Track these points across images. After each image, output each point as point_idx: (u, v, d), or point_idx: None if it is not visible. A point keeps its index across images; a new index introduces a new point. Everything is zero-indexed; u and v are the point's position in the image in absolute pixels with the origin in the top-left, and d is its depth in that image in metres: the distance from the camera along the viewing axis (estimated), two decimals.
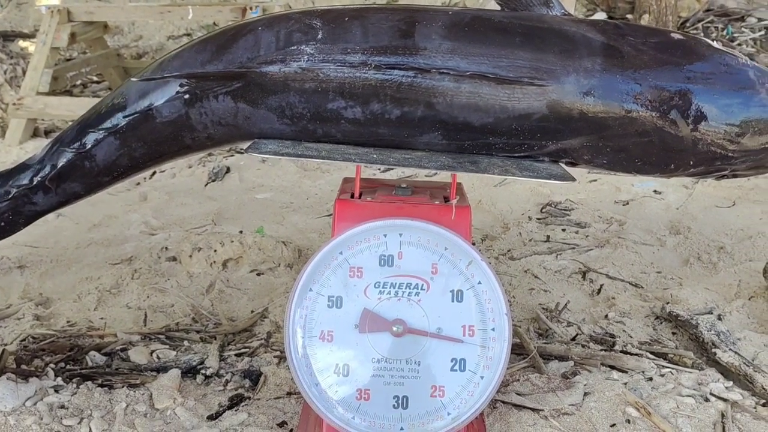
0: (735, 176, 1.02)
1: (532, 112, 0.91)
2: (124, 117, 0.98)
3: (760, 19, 4.04)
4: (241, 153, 2.51)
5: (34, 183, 1.03)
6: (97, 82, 3.45)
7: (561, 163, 0.98)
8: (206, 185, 2.28)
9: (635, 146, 0.93)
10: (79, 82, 3.31)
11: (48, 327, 1.42)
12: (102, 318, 1.47)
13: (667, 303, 1.48)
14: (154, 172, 2.39)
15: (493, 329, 0.99)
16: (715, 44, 0.97)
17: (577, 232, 1.88)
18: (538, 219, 1.96)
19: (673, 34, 0.97)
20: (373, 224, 1.00)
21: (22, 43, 3.69)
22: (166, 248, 1.74)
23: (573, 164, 0.99)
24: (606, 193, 2.15)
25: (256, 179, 2.30)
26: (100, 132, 0.99)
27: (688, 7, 3.90)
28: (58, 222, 1.92)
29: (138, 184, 2.30)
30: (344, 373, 0.99)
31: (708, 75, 0.92)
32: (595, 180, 2.23)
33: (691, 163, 0.95)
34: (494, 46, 0.91)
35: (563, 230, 1.89)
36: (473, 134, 0.94)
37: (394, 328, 0.99)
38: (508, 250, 1.77)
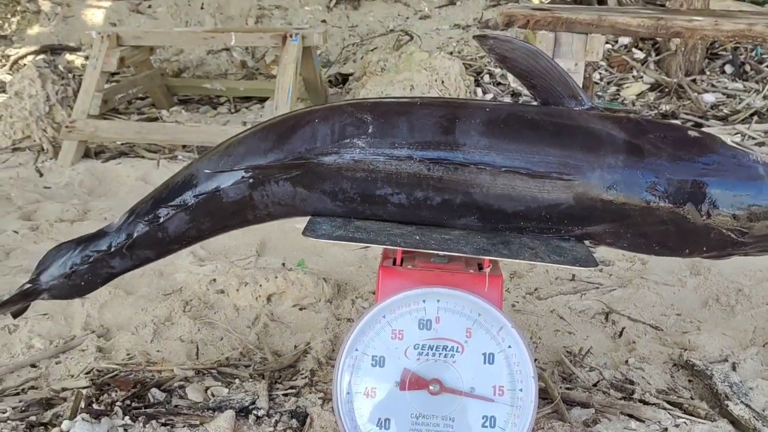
0: (747, 255, 1.12)
1: (560, 203, 1.01)
2: (194, 196, 1.09)
3: None
4: None
5: (112, 249, 1.16)
6: (142, 99, 3.60)
7: (586, 243, 1.08)
8: None
9: (653, 233, 1.03)
10: (126, 100, 3.45)
11: (110, 360, 1.54)
12: (158, 351, 1.59)
13: (685, 350, 1.58)
14: None
15: (521, 390, 1.10)
16: (728, 141, 1.06)
17: (601, 270, 1.98)
18: None
19: (690, 132, 1.06)
20: (413, 292, 1.11)
21: (69, 57, 3.83)
22: (214, 280, 1.86)
23: (596, 245, 1.09)
24: None
25: None
26: (172, 208, 1.11)
27: None
28: None
29: None
30: (386, 427, 1.11)
31: (720, 170, 1.02)
32: None
33: (705, 249, 1.04)
34: (526, 143, 1.01)
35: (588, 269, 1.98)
36: (507, 219, 1.04)
37: (431, 387, 1.10)
38: (536, 289, 1.87)
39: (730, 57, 3.87)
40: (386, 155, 1.02)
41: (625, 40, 4.02)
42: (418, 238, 1.06)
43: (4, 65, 4.05)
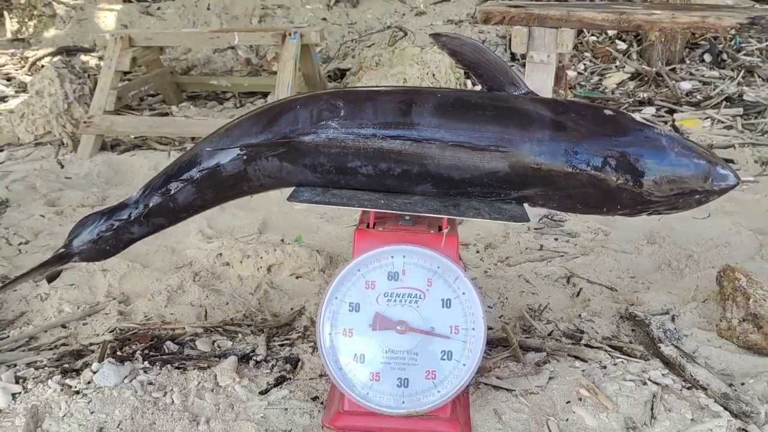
0: (659, 213, 1.34)
1: (498, 171, 1.23)
2: (199, 171, 1.32)
3: None
4: None
5: (131, 218, 1.39)
6: (153, 96, 3.83)
7: (525, 205, 1.30)
8: (251, 197, 2.63)
9: (576, 195, 1.25)
10: (138, 97, 3.69)
11: (130, 321, 1.78)
12: (172, 314, 1.83)
13: (632, 305, 1.80)
14: None
15: (473, 328, 1.32)
16: (637, 118, 1.28)
17: (567, 242, 2.20)
18: (536, 229, 2.28)
19: (605, 111, 1.28)
20: (383, 249, 1.33)
21: (83, 57, 4.05)
22: (220, 254, 2.09)
23: (532, 206, 1.31)
24: None
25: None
26: (180, 182, 1.34)
27: None
28: None
29: None
30: (361, 361, 1.33)
31: (630, 141, 1.23)
32: None
33: (619, 206, 1.26)
34: (470, 122, 1.23)
35: (555, 239, 2.20)
36: (456, 185, 1.26)
37: (398, 327, 1.33)
38: (506, 258, 2.09)
39: (709, 46, 4.06)
40: (355, 134, 1.24)
41: (610, 31, 4.22)
42: (383, 202, 1.28)
43: (23, 66, 4.30)
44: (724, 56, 3.97)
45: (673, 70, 3.84)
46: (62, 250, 1.44)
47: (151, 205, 1.37)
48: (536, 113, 1.24)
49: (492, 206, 1.29)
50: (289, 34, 3.12)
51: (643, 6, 2.67)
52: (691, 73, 3.80)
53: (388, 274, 1.34)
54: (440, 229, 1.37)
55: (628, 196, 1.24)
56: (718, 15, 2.33)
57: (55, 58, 3.66)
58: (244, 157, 1.29)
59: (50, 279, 1.60)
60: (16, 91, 4.02)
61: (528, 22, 2.50)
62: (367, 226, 1.38)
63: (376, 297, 1.34)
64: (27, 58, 4.41)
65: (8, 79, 4.20)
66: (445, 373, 1.32)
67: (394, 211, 1.25)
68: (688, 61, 3.99)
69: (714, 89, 3.55)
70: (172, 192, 1.35)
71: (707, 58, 4.02)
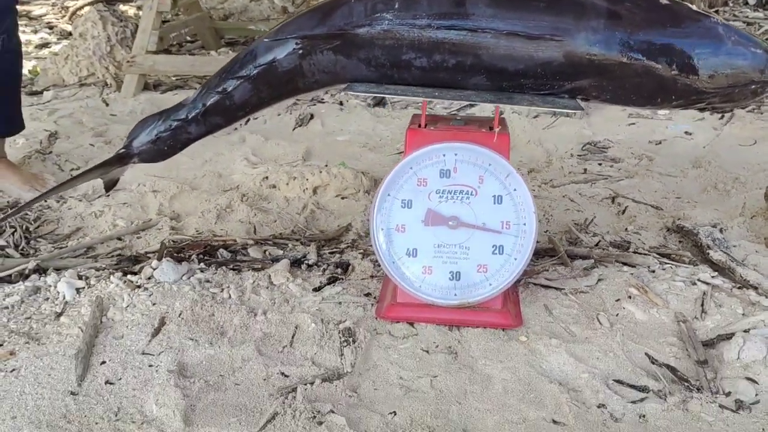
0: (714, 108, 1.34)
1: (552, 60, 1.24)
2: (255, 67, 1.34)
3: None
4: (323, 102, 2.88)
5: (189, 117, 1.42)
6: (191, 42, 3.86)
7: (577, 99, 1.31)
8: (293, 129, 2.66)
9: (630, 85, 1.25)
10: (175, 43, 3.72)
11: (182, 234, 1.82)
12: (222, 229, 1.87)
13: (679, 219, 1.80)
14: (248, 119, 2.78)
15: (524, 224, 1.34)
16: (693, 7, 1.28)
17: (611, 166, 2.19)
18: (579, 155, 2.28)
19: (661, 0, 1.28)
20: (435, 146, 1.35)
21: (122, 7, 4.08)
22: (266, 178, 2.12)
23: (586, 99, 1.31)
24: (642, 134, 2.44)
25: (336, 125, 2.67)
26: (237, 79, 1.36)
27: None
28: (177, 157, 2.31)
29: (235, 129, 2.69)
30: (414, 255, 1.36)
31: (686, 31, 1.23)
32: (633, 123, 2.52)
33: (674, 97, 1.26)
34: (524, 11, 1.24)
35: (599, 164, 2.20)
36: (509, 77, 1.27)
37: (450, 223, 1.35)
38: (550, 180, 2.10)
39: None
40: (410, 25, 1.25)
41: None
42: (437, 93, 1.30)
43: (64, 16, 4.36)
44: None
45: (717, 12, 3.77)
46: (122, 150, 1.48)
47: (208, 103, 1.40)
48: (591, 2, 1.24)
49: (545, 99, 1.30)
50: None
51: None
52: (735, 15, 3.73)
53: (440, 171, 1.36)
54: (491, 129, 1.38)
55: (682, 86, 1.25)
56: None
57: (96, 5, 3.68)
58: (300, 51, 1.31)
59: (108, 186, 1.64)
60: (58, 39, 4.08)
61: None
62: (419, 126, 1.40)
63: (428, 194, 1.37)
64: (67, 7, 4.46)
65: (50, 28, 4.26)
66: (497, 267, 1.35)
67: (448, 100, 1.27)
68: (731, 4, 3.92)
69: (758, 29, 3.48)
70: (229, 90, 1.38)
71: (751, 0, 3.94)
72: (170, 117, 1.44)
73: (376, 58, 1.29)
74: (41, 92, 3.16)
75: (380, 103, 2.82)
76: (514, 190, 1.35)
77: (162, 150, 1.47)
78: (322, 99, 2.95)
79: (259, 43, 1.35)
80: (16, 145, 2.48)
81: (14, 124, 2.18)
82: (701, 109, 1.34)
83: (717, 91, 1.26)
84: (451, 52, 1.26)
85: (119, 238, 1.82)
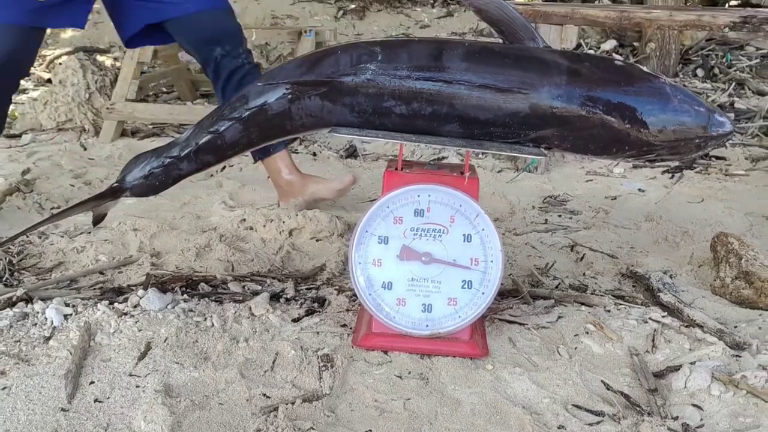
0: (663, 160, 1.48)
1: (519, 111, 1.37)
2: (246, 109, 1.45)
3: (757, 48, 4.46)
4: (297, 153, 3.00)
5: (182, 155, 1.51)
6: (168, 92, 3.98)
7: (541, 147, 1.44)
8: (268, 177, 2.76)
9: (589, 136, 1.39)
10: (152, 93, 3.83)
11: (163, 270, 1.89)
12: (201, 266, 1.94)
13: (632, 266, 1.93)
14: (224, 167, 2.88)
15: (491, 261, 1.46)
16: (644, 69, 1.43)
17: (570, 218, 2.33)
18: (540, 207, 2.42)
19: (616, 61, 1.43)
20: (410, 187, 1.47)
21: (99, 58, 4.17)
22: (244, 220, 2.21)
23: (548, 148, 1.44)
24: (598, 190, 2.60)
25: (310, 171, 2.78)
26: (229, 120, 1.47)
27: (691, 37, 4.33)
28: (157, 200, 2.40)
29: (212, 175, 2.79)
30: (389, 288, 1.46)
31: (638, 89, 1.37)
32: (591, 180, 2.69)
33: (627, 148, 1.40)
34: (495, 67, 1.37)
35: (559, 216, 2.34)
36: (480, 125, 1.40)
37: (424, 258, 1.46)
38: (513, 229, 2.23)
39: (701, 62, 4.25)
40: (391, 75, 1.38)
41: (607, 45, 4.42)
42: (414, 138, 1.42)
43: (42, 64, 4.44)
44: (716, 71, 4.16)
45: None
46: (115, 184, 1.56)
47: (200, 142, 1.50)
48: (554, 61, 1.39)
49: (512, 147, 1.43)
50: (305, 32, 3.28)
51: (643, 6, 2.84)
52: (684, 85, 3.98)
53: (415, 210, 1.48)
54: (462, 174, 1.50)
55: (635, 139, 1.38)
56: (712, 14, 2.50)
57: (77, 54, 3.78)
58: (289, 96, 1.42)
59: (96, 220, 1.72)
60: (35, 85, 4.16)
61: (534, 18, 2.66)
62: (396, 169, 1.51)
63: (404, 231, 1.47)
64: (45, 56, 4.55)
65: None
66: (466, 300, 1.45)
67: (424, 144, 1.38)
68: (681, 75, 4.17)
69: (706, 98, 3.72)
70: (221, 130, 1.48)
71: (700, 72, 4.20)
72: (163, 154, 1.53)
73: (360, 104, 1.41)
74: (20, 135, 3.23)
75: (352, 154, 2.95)
76: (483, 229, 1.46)
77: (153, 185, 1.55)
78: (296, 150, 3.07)
79: (251, 88, 1.46)
80: None
81: None
82: (652, 161, 1.48)
83: (665, 144, 1.40)
84: (428, 101, 1.38)
85: (101, 272, 1.88)
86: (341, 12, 5.06)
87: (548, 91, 1.37)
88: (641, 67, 1.44)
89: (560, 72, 1.37)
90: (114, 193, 1.57)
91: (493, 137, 1.42)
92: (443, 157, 2.92)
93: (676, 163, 2.85)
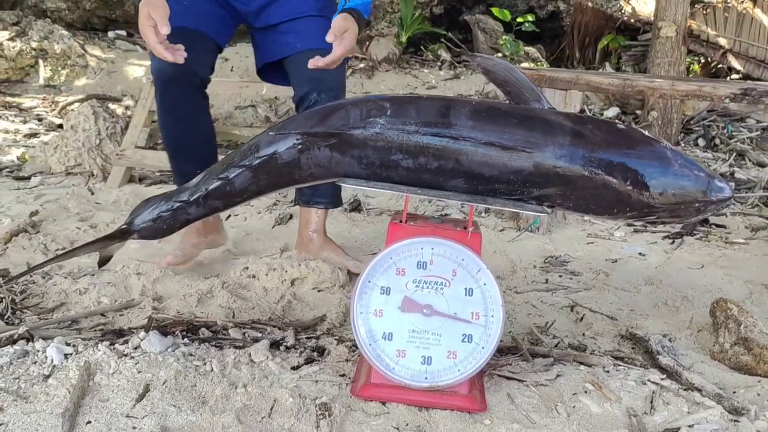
0: (663, 223, 1.50)
1: (523, 169, 1.40)
2: (256, 158, 1.49)
3: (758, 121, 4.54)
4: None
5: (191, 200, 1.54)
6: None
7: (544, 206, 1.46)
8: (273, 227, 2.79)
9: (590, 196, 1.41)
10: (162, 141, 3.89)
11: (165, 314, 1.90)
12: (202, 312, 1.95)
13: (632, 328, 1.94)
14: (229, 216, 2.91)
15: (492, 315, 1.47)
16: (645, 133, 1.46)
17: (571, 278, 2.35)
18: (541, 267, 2.44)
19: (618, 125, 1.46)
20: (414, 240, 1.49)
21: (111, 105, 4.26)
22: (247, 268, 2.23)
23: (551, 206, 1.47)
24: (599, 252, 2.62)
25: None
26: (239, 167, 1.50)
27: (693, 107, 4.41)
28: (160, 246, 2.43)
29: None
30: (389, 339, 1.47)
31: (639, 152, 1.41)
32: (592, 243, 2.71)
33: (628, 209, 1.42)
34: (501, 125, 1.41)
35: (560, 276, 2.36)
36: (485, 182, 1.43)
37: (425, 311, 1.47)
38: (514, 287, 2.24)
39: (703, 132, 4.32)
40: (399, 130, 1.42)
41: (610, 112, 4.49)
42: (420, 191, 1.45)
43: (54, 110, 4.53)
44: (717, 141, 4.22)
45: None
46: (124, 226, 1.59)
47: (210, 188, 1.53)
48: (558, 122, 1.43)
49: (515, 204, 1.45)
50: None
51: (646, 75, 2.91)
52: (686, 153, 4.03)
53: (418, 263, 1.49)
54: (465, 228, 1.53)
55: (636, 200, 1.41)
56: (714, 85, 2.56)
57: (90, 101, 3.86)
58: (299, 146, 1.46)
59: (102, 262, 1.74)
60: (46, 130, 4.23)
61: (540, 83, 2.72)
62: (400, 221, 1.54)
63: (406, 283, 1.49)
64: (57, 102, 4.64)
65: (39, 119, 4.41)
66: (465, 354, 1.46)
67: (430, 197, 1.41)
68: (683, 144, 4.24)
69: (708, 167, 3.77)
70: (230, 177, 1.51)
71: (701, 142, 4.27)
72: (172, 198, 1.56)
73: (368, 156, 1.44)
74: (29, 178, 3.27)
75: (356, 208, 2.98)
76: (484, 284, 1.48)
77: (161, 228, 1.58)
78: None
79: (262, 137, 1.50)
80: (1, 224, 2.57)
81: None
82: (652, 223, 1.50)
83: (666, 207, 1.42)
84: (435, 156, 1.42)
85: (103, 314, 1.89)
86: (350, 71, 5.18)
87: (552, 151, 1.40)
88: (642, 131, 1.48)
89: (564, 133, 1.41)
90: (122, 234, 1.59)
91: (497, 194, 1.45)
92: (446, 214, 2.96)
93: (677, 229, 2.89)
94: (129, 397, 1.40)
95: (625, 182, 1.40)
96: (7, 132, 4.10)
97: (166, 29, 1.72)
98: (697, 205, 1.43)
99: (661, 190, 1.41)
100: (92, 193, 3.11)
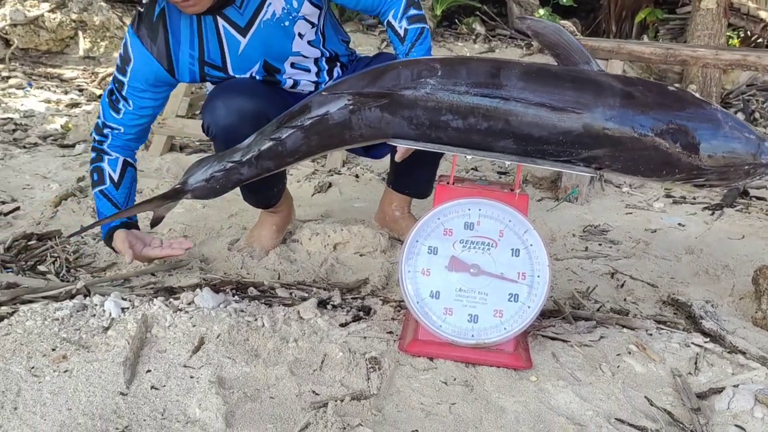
0: (711, 186, 1.51)
1: (572, 130, 1.41)
2: (308, 118, 1.51)
3: None
4: (340, 174, 3.06)
5: (243, 160, 1.57)
6: None
7: (592, 167, 1.47)
8: (312, 195, 2.83)
9: (639, 157, 1.42)
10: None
11: (213, 274, 1.95)
12: (248, 274, 2.00)
13: (673, 294, 1.95)
14: None
15: (538, 276, 1.49)
16: (696, 95, 1.47)
17: (610, 247, 2.35)
18: (580, 236, 2.44)
19: (669, 87, 1.47)
20: (461, 201, 1.51)
21: None
22: (291, 232, 2.27)
23: (599, 168, 1.48)
24: (638, 222, 2.62)
25: (353, 193, 2.84)
26: (291, 128, 1.53)
27: (732, 81, 4.35)
28: (205, 210, 2.48)
29: None
30: (436, 297, 1.50)
31: (690, 114, 1.41)
32: (630, 213, 2.71)
33: (677, 171, 1.43)
34: (551, 86, 1.42)
35: (599, 245, 2.37)
36: (534, 143, 1.44)
37: (472, 270, 1.50)
38: (554, 255, 2.25)
39: (742, 106, 4.27)
40: (450, 90, 1.43)
41: None
42: (469, 152, 1.47)
43: (93, 81, 4.59)
44: (757, 115, 4.17)
45: None
46: (178, 185, 1.63)
47: (262, 148, 1.56)
48: (608, 84, 1.43)
49: (563, 165, 1.47)
50: None
51: (688, 45, 2.88)
52: None
53: (465, 223, 1.52)
54: (512, 190, 1.55)
55: (685, 162, 1.42)
56: (758, 54, 2.53)
57: None
58: (351, 106, 1.48)
59: (155, 222, 1.78)
60: (87, 100, 4.30)
61: None
62: (448, 183, 1.56)
63: (453, 243, 1.52)
64: (97, 73, 4.70)
65: (80, 90, 4.48)
66: (511, 313, 1.48)
67: (479, 157, 1.43)
68: None
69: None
70: (282, 137, 1.54)
71: (740, 116, 4.22)
72: (225, 158, 1.60)
73: (418, 117, 1.46)
74: (73, 146, 3.33)
75: None
76: (531, 245, 1.50)
77: (214, 188, 1.61)
78: (339, 171, 3.13)
79: (314, 97, 1.52)
80: (50, 189, 2.63)
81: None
82: (700, 186, 1.50)
83: (715, 169, 1.43)
84: (484, 117, 1.44)
85: (153, 274, 1.94)
86: (384, 44, 5.17)
87: (602, 112, 1.41)
88: (693, 92, 1.48)
89: (614, 94, 1.42)
90: (176, 194, 1.63)
91: (545, 155, 1.47)
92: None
93: (717, 201, 2.87)
94: (185, 349, 1.45)
95: (675, 144, 1.41)
96: (49, 102, 4.17)
97: (128, 260, 1.80)
98: (746, 167, 1.44)
99: (711, 152, 1.41)
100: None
